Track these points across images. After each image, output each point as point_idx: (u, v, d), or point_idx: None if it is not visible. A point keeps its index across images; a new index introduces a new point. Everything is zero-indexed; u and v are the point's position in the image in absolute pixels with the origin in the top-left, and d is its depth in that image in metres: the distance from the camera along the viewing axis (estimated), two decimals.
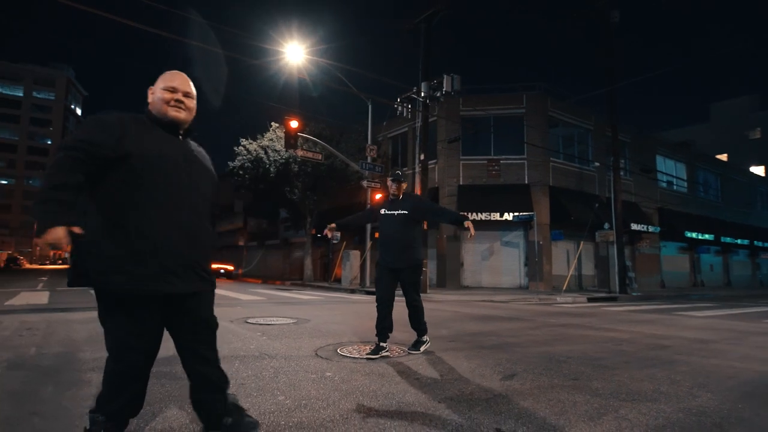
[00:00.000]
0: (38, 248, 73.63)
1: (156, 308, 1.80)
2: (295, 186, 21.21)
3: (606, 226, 16.67)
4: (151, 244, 1.74)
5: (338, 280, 20.34)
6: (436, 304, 10.53)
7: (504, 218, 16.56)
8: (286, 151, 18.30)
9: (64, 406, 2.43)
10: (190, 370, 1.91)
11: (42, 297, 9.36)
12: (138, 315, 1.76)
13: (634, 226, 19.40)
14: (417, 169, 16.60)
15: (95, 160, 1.68)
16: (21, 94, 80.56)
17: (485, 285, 17.60)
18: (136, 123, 1.83)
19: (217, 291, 11.42)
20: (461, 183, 18.40)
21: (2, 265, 46.22)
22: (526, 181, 17.67)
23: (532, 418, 2.34)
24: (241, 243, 33.39)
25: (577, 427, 2.24)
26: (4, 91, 79.28)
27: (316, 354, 3.85)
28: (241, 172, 21.65)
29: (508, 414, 2.40)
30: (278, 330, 5.29)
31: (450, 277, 17.79)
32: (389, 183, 4.22)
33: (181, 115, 1.91)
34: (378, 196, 18.56)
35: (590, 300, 13.61)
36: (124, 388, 1.78)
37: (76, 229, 1.63)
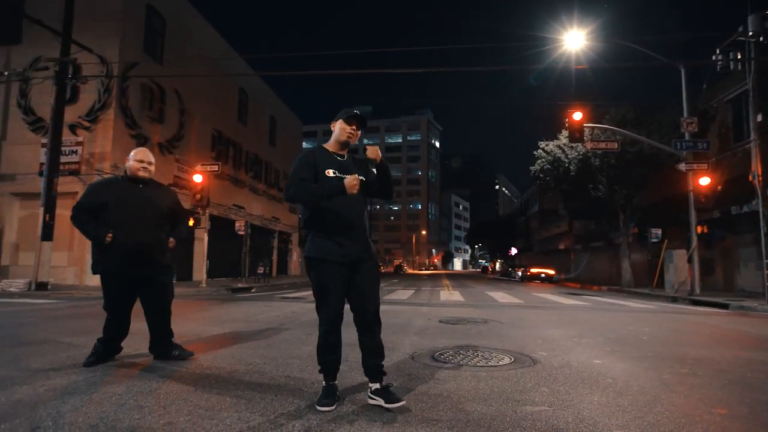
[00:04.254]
0: (417, 257, 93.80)
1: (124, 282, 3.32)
2: (598, 181, 19.23)
3: None
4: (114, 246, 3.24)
5: (663, 286, 16.93)
6: (734, 318, 7.46)
7: None
8: (571, 144, 17.02)
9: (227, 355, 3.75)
10: (149, 322, 3.45)
11: None
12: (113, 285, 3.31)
13: None
14: (753, 138, 12.26)
15: (92, 210, 3.30)
16: (400, 140, 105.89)
17: None
18: (108, 182, 3.61)
19: (488, 292, 11.94)
20: None
21: (392, 270, 61.73)
22: None
23: None
24: (562, 247, 32.33)
25: None
26: (390, 140, 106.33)
27: (412, 356, 3.91)
28: (541, 176, 21.46)
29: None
30: (441, 329, 5.48)
31: None
32: (342, 126, 2.56)
33: (146, 174, 3.43)
34: (705, 181, 14.60)
35: None
36: (113, 328, 3.37)
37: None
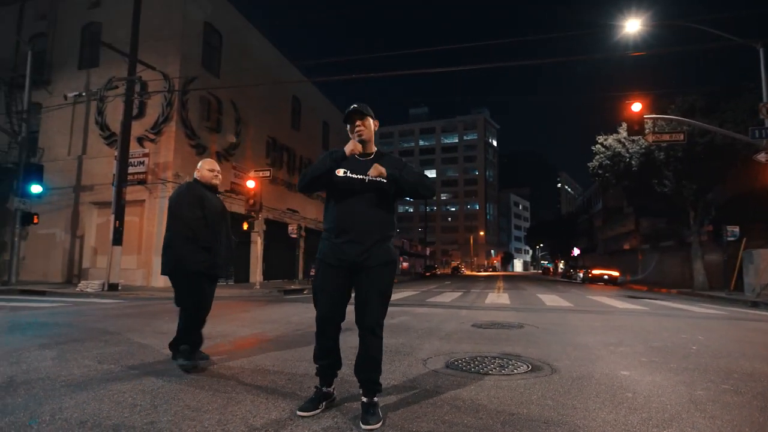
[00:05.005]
0: (475, 258, 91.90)
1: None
2: (664, 176, 17.85)
3: None
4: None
5: (742, 289, 15.38)
6: None
7: None
8: (632, 138, 15.90)
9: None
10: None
11: (406, 292, 12.51)
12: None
13: None
14: None
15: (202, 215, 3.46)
16: (456, 140, 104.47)
17: None
18: (192, 185, 3.61)
19: (539, 295, 11.42)
20: None
21: (449, 271, 61.02)
22: None
23: None
24: (627, 247, 30.25)
25: None
26: (446, 140, 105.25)
27: (424, 362, 3.81)
28: (600, 171, 20.30)
29: None
30: (470, 333, 5.30)
31: None
32: (349, 131, 2.54)
33: (219, 182, 3.74)
34: None
35: None
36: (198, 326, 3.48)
37: None
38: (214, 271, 3.50)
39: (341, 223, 2.39)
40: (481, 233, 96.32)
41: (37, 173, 15.62)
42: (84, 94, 16.51)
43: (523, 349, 4.36)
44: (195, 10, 17.90)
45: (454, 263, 74.08)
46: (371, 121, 2.50)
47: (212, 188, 3.68)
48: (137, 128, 15.85)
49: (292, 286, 16.41)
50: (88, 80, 18.09)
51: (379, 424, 2.21)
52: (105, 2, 18.46)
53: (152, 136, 16.59)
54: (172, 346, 3.66)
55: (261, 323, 6.03)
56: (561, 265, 65.77)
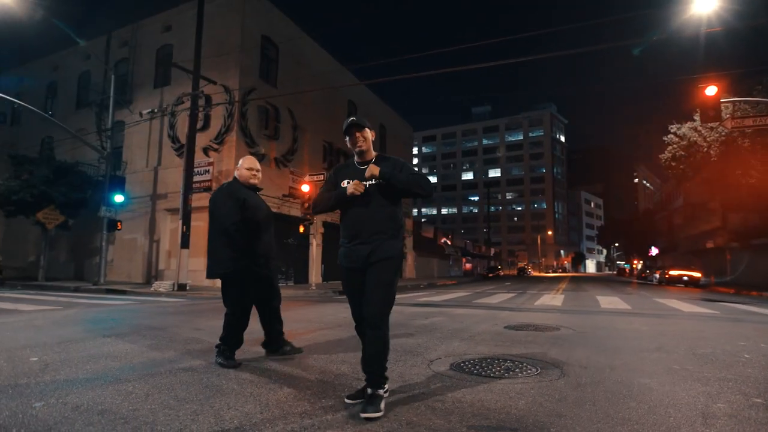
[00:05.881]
0: (543, 259, 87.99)
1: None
2: (749, 166, 16.04)
3: None
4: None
5: None
6: None
7: None
8: (710, 125, 14.45)
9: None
10: (263, 316, 3.71)
11: (457, 293, 12.31)
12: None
13: None
14: None
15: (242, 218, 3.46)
16: (521, 138, 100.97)
17: None
18: (232, 186, 3.60)
19: (598, 297, 10.72)
20: None
21: (515, 272, 59.00)
22: None
23: None
24: (710, 245, 27.43)
25: None
26: (511, 138, 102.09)
27: (430, 363, 3.75)
28: (673, 164, 18.69)
29: None
30: (496, 335, 5.11)
31: None
32: (347, 141, 2.76)
33: (257, 181, 3.69)
34: None
35: None
36: (239, 327, 3.52)
37: None
38: (253, 275, 3.46)
39: (351, 228, 2.62)
40: (549, 233, 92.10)
41: (120, 184, 17.35)
42: (156, 110, 18.06)
43: (543, 353, 4.14)
44: (253, 26, 18.92)
45: (520, 264, 71.54)
46: (368, 131, 2.72)
47: (253, 188, 3.63)
48: (203, 139, 17.06)
49: None
50: (161, 98, 19.74)
51: (378, 414, 2.30)
52: (175, 25, 20.07)
53: (216, 146, 17.74)
54: (267, 344, 3.81)
55: (293, 322, 6.24)
56: (639, 266, 61.00)
